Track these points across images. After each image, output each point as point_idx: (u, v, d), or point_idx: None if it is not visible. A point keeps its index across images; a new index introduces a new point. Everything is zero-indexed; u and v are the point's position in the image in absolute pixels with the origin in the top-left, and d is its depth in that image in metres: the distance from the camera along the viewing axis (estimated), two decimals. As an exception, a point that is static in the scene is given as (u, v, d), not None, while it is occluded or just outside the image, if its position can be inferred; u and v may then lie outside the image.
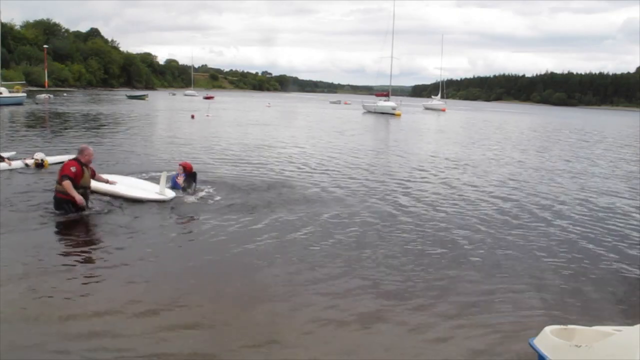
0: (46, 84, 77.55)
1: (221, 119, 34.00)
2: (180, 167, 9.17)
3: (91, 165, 7.82)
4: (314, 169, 13.18)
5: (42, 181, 9.58)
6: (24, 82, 62.18)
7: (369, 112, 56.01)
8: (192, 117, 32.71)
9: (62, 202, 7.35)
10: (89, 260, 5.83)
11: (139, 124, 27.25)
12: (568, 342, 3.36)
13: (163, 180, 8.52)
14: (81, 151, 7.68)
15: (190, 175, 9.11)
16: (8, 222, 6.86)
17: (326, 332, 4.36)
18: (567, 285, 5.72)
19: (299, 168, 13.29)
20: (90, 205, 7.68)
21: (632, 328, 3.19)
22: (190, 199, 8.65)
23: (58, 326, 4.20)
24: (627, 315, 4.97)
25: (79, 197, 7.27)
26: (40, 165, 10.75)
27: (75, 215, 7.32)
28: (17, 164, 10.76)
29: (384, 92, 63.56)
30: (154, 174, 10.43)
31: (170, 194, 8.55)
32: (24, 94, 41.18)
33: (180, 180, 9.02)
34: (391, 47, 63.77)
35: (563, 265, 6.41)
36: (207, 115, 33.88)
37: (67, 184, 7.24)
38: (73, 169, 7.35)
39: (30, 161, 10.83)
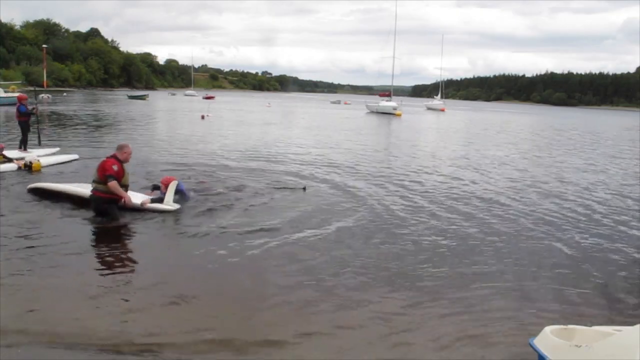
0: (45, 84, 77.46)
1: (227, 120, 34.12)
2: (164, 186, 8.27)
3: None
4: (339, 169, 13.19)
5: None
6: (20, 82, 62.11)
7: (372, 112, 56.25)
8: (202, 117, 32.61)
9: (103, 201, 7.05)
10: (94, 264, 5.82)
11: (146, 125, 27.20)
12: (568, 342, 3.36)
13: (172, 189, 8.05)
14: (120, 148, 7.31)
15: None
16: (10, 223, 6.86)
17: (326, 333, 4.36)
18: (568, 285, 5.71)
19: (324, 168, 13.27)
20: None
21: (632, 328, 3.19)
22: (200, 204, 8.38)
23: (59, 329, 4.21)
24: (627, 315, 4.96)
25: (127, 197, 7.10)
26: (28, 167, 10.61)
27: (78, 218, 7.20)
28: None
29: (386, 92, 63.79)
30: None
31: (175, 205, 8.04)
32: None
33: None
34: (393, 47, 64.00)
35: (563, 265, 6.41)
36: (208, 115, 33.88)
37: (113, 185, 6.95)
38: (115, 167, 7.01)
39: (20, 162, 10.70)
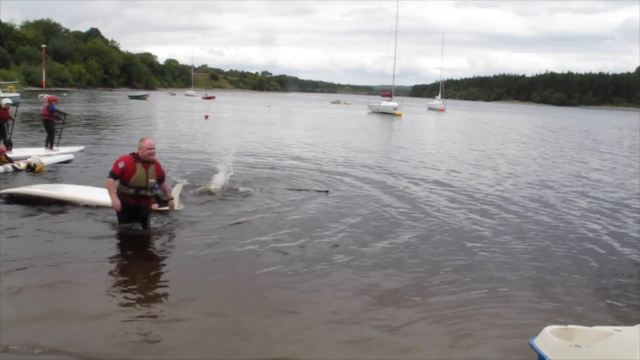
0: (44, 84, 77.58)
1: (230, 120, 34.23)
2: None
3: (162, 167, 6.78)
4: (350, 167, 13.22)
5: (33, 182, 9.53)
6: (18, 81, 62.28)
7: (373, 112, 56.53)
8: (206, 117, 32.67)
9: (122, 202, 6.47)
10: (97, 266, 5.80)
11: (150, 125, 27.26)
12: (568, 342, 3.35)
13: (177, 191, 8.01)
14: (139, 143, 6.60)
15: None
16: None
17: (326, 333, 4.36)
18: (567, 285, 5.71)
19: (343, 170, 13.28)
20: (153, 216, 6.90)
21: (632, 328, 3.18)
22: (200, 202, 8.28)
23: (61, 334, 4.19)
24: (627, 315, 4.96)
25: (114, 201, 6.37)
26: (31, 168, 10.63)
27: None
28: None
29: (387, 92, 64.10)
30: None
31: (180, 205, 7.97)
32: (18, 94, 41.42)
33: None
34: (394, 47, 64.25)
35: (563, 265, 6.40)
36: (209, 115, 33.89)
37: (107, 182, 6.40)
38: (121, 164, 6.33)
39: (22, 164, 10.69)
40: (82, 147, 14.17)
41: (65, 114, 14.48)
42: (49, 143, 13.43)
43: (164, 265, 5.88)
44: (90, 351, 3.82)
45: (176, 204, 7.81)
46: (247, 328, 4.32)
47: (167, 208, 7.67)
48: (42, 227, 6.78)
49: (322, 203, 9.07)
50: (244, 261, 5.93)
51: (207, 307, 4.68)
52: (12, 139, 12.93)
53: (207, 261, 5.89)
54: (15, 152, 12.06)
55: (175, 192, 7.86)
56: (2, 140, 12.47)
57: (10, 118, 13.00)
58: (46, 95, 16.96)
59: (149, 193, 6.56)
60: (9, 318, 4.19)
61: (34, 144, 14.56)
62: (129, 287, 5.10)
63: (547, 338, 3.42)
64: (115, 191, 6.42)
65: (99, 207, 7.58)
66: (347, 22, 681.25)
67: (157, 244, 6.51)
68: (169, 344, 3.99)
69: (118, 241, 6.47)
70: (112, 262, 5.83)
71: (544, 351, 3.36)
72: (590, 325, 3.69)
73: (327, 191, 10.07)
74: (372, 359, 3.99)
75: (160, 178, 6.73)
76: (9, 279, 4.98)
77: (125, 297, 4.83)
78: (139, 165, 6.39)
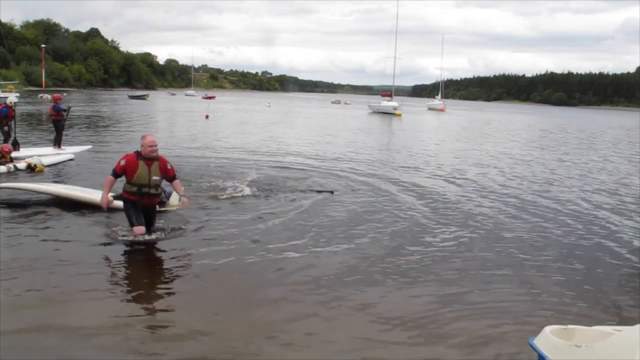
0: (43, 84, 77.68)
1: (230, 120, 34.37)
2: None
3: (169, 165, 6.57)
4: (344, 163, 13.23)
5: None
6: (17, 81, 62.38)
7: (374, 112, 56.69)
8: (207, 117, 32.69)
9: (124, 200, 6.43)
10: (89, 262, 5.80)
11: (151, 125, 27.35)
12: (568, 342, 3.35)
13: (176, 195, 7.95)
14: (141, 140, 6.52)
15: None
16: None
17: (326, 333, 4.37)
18: (567, 285, 5.71)
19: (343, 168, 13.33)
20: (159, 222, 6.81)
21: (632, 328, 3.18)
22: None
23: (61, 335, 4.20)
24: (627, 315, 4.96)
25: (102, 199, 6.50)
26: (32, 169, 10.66)
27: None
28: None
29: (387, 92, 64.30)
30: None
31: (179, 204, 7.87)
32: (17, 94, 41.50)
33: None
34: (394, 47, 64.44)
35: (563, 265, 6.41)
36: (209, 115, 33.91)
37: (106, 179, 6.41)
38: (122, 162, 6.28)
39: (21, 164, 10.70)
40: (90, 147, 14.37)
41: (69, 107, 14.73)
42: (57, 142, 13.49)
43: (164, 272, 5.77)
44: None
45: (176, 204, 7.77)
46: (249, 340, 4.20)
47: (166, 209, 7.71)
48: (40, 233, 6.68)
49: (327, 204, 9.04)
50: (248, 271, 5.72)
51: (208, 318, 4.54)
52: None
53: (210, 270, 5.67)
54: (23, 152, 12.14)
55: (174, 195, 7.78)
56: (11, 140, 12.46)
57: (12, 117, 13.13)
58: (47, 95, 17.12)
59: (152, 191, 6.40)
60: (3, 326, 4.10)
61: (34, 144, 14.60)
62: (129, 295, 5.03)
63: (547, 338, 3.42)
64: (110, 189, 6.44)
65: (98, 207, 7.54)
66: (347, 22, 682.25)
67: (159, 250, 6.33)
68: (167, 355, 3.93)
69: (118, 247, 6.30)
70: (110, 268, 5.71)
71: (544, 351, 3.36)
72: (590, 325, 3.70)
73: (332, 192, 10.07)
74: (372, 357, 4.00)
75: (170, 177, 6.56)
76: (5, 285, 4.90)
77: (125, 306, 4.74)
78: (141, 163, 6.29)
